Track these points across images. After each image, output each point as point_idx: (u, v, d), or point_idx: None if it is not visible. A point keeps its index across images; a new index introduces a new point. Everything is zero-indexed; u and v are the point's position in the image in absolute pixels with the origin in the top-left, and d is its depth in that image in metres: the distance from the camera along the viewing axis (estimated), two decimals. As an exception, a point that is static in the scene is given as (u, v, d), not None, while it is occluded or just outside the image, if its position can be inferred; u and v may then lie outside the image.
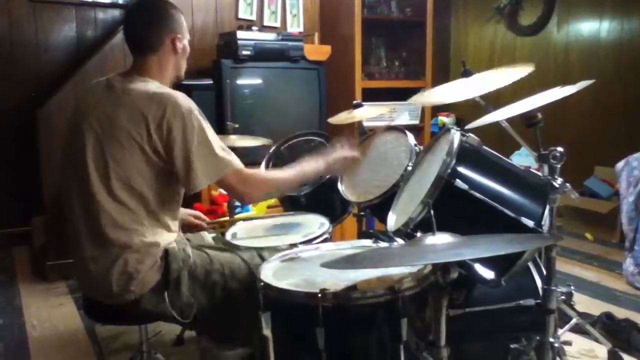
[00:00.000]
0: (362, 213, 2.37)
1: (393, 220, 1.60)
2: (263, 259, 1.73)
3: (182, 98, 1.62)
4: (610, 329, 2.38)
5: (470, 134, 1.53)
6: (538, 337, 1.54)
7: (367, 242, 1.69)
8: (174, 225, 1.71)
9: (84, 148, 1.60)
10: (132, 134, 1.56)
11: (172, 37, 1.72)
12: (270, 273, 1.47)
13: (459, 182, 1.39)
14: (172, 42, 1.72)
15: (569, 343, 1.81)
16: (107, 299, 1.63)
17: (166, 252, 1.62)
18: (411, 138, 1.98)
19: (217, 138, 1.66)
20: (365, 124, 2.47)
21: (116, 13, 3.97)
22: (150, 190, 1.60)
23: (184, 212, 1.98)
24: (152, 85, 1.65)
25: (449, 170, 1.39)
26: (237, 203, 2.62)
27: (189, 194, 1.69)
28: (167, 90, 1.64)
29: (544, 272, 1.56)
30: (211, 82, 3.53)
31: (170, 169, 1.60)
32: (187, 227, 1.99)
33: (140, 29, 1.72)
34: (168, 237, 1.66)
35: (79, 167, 1.61)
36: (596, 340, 2.28)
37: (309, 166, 1.88)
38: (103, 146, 1.58)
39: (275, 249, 1.78)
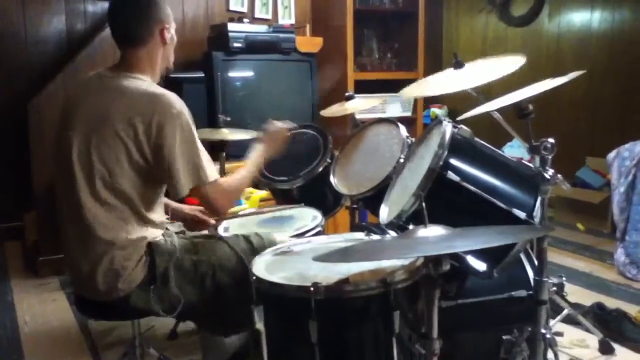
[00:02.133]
0: (355, 206, 2.37)
1: (385, 213, 1.60)
2: (250, 243, 1.72)
3: (174, 99, 1.59)
4: (602, 319, 2.40)
5: (462, 126, 1.53)
6: (530, 328, 1.54)
7: (360, 235, 1.69)
8: (159, 221, 1.69)
9: (70, 145, 1.58)
10: (119, 132, 1.54)
11: (161, 28, 1.69)
12: (263, 267, 1.46)
13: (450, 174, 1.39)
14: (160, 32, 1.69)
15: (560, 334, 1.83)
16: (95, 297, 1.62)
17: (150, 246, 1.61)
18: (403, 130, 1.97)
19: (200, 144, 1.63)
20: (358, 116, 2.47)
21: (106, 5, 3.92)
22: (134, 189, 1.58)
23: (188, 208, 1.96)
24: (145, 84, 1.62)
25: (441, 162, 1.39)
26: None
27: (173, 199, 1.67)
28: (159, 90, 1.61)
29: (536, 263, 1.56)
30: (202, 74, 3.51)
31: (154, 171, 1.58)
32: (193, 224, 1.95)
33: (128, 21, 1.68)
34: (154, 232, 1.64)
35: (65, 164, 1.59)
36: (587, 330, 2.30)
37: (254, 158, 1.89)
38: (89, 144, 1.56)
39: (260, 235, 1.78)
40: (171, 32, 1.73)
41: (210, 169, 1.63)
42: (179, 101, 1.60)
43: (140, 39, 1.67)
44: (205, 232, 1.94)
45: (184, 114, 1.58)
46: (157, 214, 1.68)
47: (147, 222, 1.63)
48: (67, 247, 1.63)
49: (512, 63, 1.57)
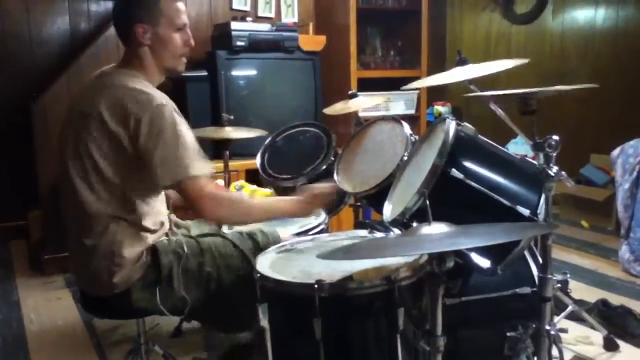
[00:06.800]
0: (359, 203, 2.37)
1: (389, 210, 1.60)
2: (255, 241, 1.72)
3: (155, 94, 1.57)
4: (606, 316, 2.39)
5: (466, 123, 1.53)
6: (534, 325, 1.54)
7: (363, 233, 1.69)
8: (155, 218, 1.67)
9: (66, 136, 1.61)
10: (109, 125, 1.53)
11: (136, 28, 1.61)
12: (267, 264, 1.47)
13: (454, 172, 1.39)
14: (135, 32, 1.62)
15: (565, 330, 1.82)
16: (92, 290, 1.63)
17: (154, 248, 1.61)
18: (407, 128, 1.97)
19: (192, 142, 1.57)
20: (361, 114, 2.47)
21: (109, 5, 3.94)
22: (121, 179, 1.56)
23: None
24: (133, 80, 1.60)
25: (445, 160, 1.38)
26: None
27: (158, 191, 1.65)
28: (143, 86, 1.59)
29: (540, 260, 1.56)
30: (206, 73, 3.51)
31: (138, 164, 1.55)
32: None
33: (115, 18, 1.70)
34: (151, 237, 1.63)
35: (62, 156, 1.62)
36: (592, 327, 2.29)
37: (282, 205, 1.78)
38: (79, 134, 1.57)
39: (265, 232, 1.77)
40: (155, 31, 1.63)
41: (197, 165, 1.54)
42: (159, 95, 1.58)
43: (123, 37, 1.67)
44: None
45: (165, 107, 1.54)
46: (150, 210, 1.64)
47: (137, 215, 1.60)
48: (68, 239, 1.66)
49: (515, 64, 1.57)
